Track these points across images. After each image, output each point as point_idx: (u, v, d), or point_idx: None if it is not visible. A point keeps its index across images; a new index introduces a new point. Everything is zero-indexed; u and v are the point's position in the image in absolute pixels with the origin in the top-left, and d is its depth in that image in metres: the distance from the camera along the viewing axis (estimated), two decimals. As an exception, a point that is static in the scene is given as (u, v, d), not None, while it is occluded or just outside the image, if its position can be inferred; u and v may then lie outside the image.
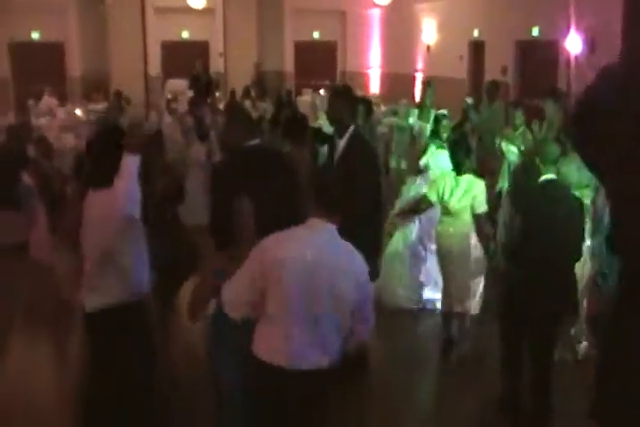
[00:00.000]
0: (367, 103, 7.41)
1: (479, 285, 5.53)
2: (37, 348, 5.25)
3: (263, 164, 3.84)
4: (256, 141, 3.91)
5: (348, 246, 3.11)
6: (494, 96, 9.56)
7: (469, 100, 9.91)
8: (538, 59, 12.50)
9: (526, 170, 5.33)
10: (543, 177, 4.24)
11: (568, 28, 11.09)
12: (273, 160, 3.97)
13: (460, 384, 4.96)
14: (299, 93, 13.94)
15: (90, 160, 3.70)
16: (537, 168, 4.31)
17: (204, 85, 14.22)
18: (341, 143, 4.73)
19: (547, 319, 4.16)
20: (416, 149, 6.86)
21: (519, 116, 7.38)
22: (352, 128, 4.73)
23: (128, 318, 3.50)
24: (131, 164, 3.38)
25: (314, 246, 3.00)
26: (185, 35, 19.18)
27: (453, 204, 5.24)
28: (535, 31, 12.29)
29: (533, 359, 4.23)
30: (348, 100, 4.86)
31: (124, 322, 3.50)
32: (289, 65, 19.40)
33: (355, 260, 3.08)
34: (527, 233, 4.17)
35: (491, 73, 13.64)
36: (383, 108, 12.71)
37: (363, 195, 4.43)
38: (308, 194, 3.18)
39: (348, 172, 4.24)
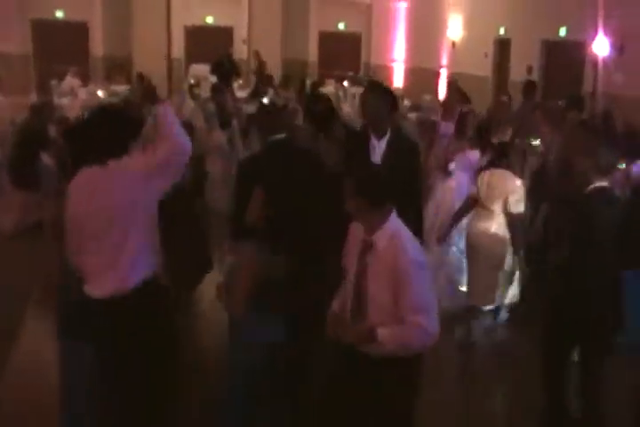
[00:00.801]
0: (393, 98, 7.32)
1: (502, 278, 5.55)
2: (51, 334, 5.26)
3: (286, 159, 3.82)
4: (281, 136, 3.92)
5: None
6: (531, 95, 9.52)
7: (504, 99, 9.83)
8: (564, 59, 12.36)
9: (564, 174, 5.33)
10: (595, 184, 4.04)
11: (596, 29, 10.96)
12: (297, 156, 3.93)
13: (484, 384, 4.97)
14: (322, 84, 13.85)
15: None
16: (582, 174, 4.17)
17: (227, 72, 14.17)
18: (382, 144, 4.48)
19: (601, 331, 4.05)
20: (442, 147, 6.82)
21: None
22: (393, 129, 4.52)
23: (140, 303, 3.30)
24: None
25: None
26: (209, 20, 19.13)
27: (486, 201, 5.32)
28: (562, 31, 12.15)
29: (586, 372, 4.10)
30: (386, 96, 4.57)
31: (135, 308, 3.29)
32: (313, 55, 19.32)
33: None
34: (576, 241, 4.04)
35: (515, 72, 13.53)
36: (407, 102, 12.63)
37: (410, 197, 4.35)
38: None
39: (397, 175, 4.12)
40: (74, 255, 3.37)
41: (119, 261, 3.25)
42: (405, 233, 3.09)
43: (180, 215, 4.63)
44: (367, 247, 3.08)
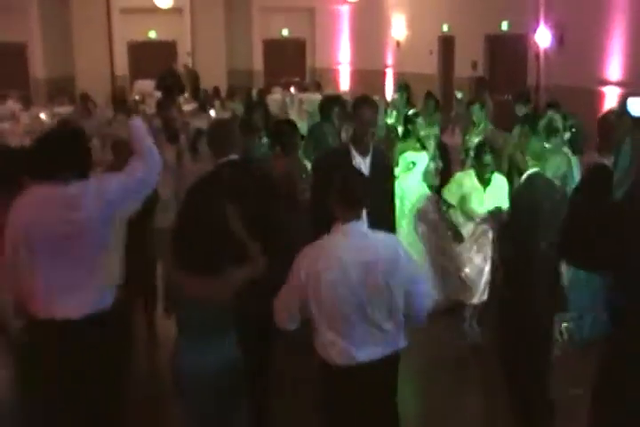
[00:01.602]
0: (343, 103, 7.20)
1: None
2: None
3: (236, 180, 3.82)
4: (234, 157, 3.91)
5: (380, 237, 3.28)
6: (482, 92, 9.56)
7: (460, 95, 9.80)
8: (507, 53, 12.48)
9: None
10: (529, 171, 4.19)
11: (537, 21, 11.07)
12: (246, 177, 3.93)
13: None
14: (269, 92, 13.76)
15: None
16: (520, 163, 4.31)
17: (171, 86, 14.00)
18: (367, 162, 4.21)
19: (541, 316, 4.09)
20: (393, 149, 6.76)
21: (477, 112, 7.33)
22: (374, 146, 4.31)
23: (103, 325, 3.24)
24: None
25: (348, 252, 3.15)
26: (152, 35, 18.93)
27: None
28: (504, 25, 12.26)
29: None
30: (376, 110, 4.31)
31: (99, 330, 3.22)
32: (258, 63, 19.24)
33: (388, 248, 3.21)
34: (516, 228, 4.12)
35: (461, 68, 13.61)
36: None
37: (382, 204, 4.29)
38: (332, 198, 3.21)
39: (379, 190, 4.08)
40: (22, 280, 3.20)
41: (85, 281, 3.18)
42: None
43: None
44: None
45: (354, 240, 3.17)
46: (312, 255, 3.18)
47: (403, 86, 9.39)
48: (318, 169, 4.37)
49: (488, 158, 5.29)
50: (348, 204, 3.17)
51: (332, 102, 6.72)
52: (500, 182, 5.48)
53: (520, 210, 4.13)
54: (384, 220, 4.03)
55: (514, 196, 4.47)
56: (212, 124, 4.77)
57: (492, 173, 5.38)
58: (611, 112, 2.42)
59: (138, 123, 3.40)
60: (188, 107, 12.44)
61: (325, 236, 3.25)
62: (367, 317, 3.14)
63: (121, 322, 3.43)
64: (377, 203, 3.79)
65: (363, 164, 4.20)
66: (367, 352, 3.18)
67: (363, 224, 3.23)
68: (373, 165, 4.22)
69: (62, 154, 3.21)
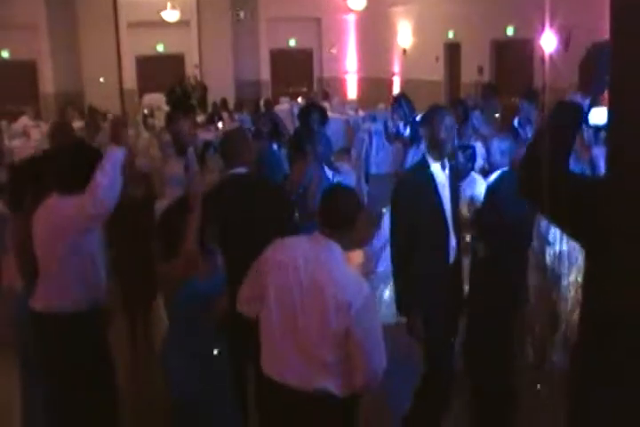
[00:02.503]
0: (321, 110, 7.28)
1: None
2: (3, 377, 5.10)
3: (242, 195, 3.87)
4: (242, 170, 3.93)
5: (349, 272, 2.91)
6: (490, 98, 9.55)
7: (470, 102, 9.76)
8: (513, 58, 12.48)
9: None
10: None
11: (543, 26, 11.08)
12: (254, 192, 3.96)
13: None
14: (276, 102, 13.84)
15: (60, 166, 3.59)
16: None
17: (178, 99, 14.09)
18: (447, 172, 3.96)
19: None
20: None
21: (477, 118, 7.37)
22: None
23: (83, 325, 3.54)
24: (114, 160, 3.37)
25: (308, 256, 2.85)
26: (160, 48, 19.07)
27: None
28: (510, 30, 12.28)
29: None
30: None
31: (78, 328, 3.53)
32: (265, 74, 19.33)
33: (349, 288, 2.79)
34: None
35: (467, 74, 13.63)
36: (362, 113, 12.64)
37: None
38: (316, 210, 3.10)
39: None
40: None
41: (59, 283, 3.53)
42: None
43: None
44: None
45: None
46: None
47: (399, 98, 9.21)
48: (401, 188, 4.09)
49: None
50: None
51: (310, 109, 6.84)
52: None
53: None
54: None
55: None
56: (224, 134, 4.84)
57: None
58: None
59: (118, 154, 3.36)
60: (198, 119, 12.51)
61: None
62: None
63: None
64: (453, 207, 3.94)
65: (444, 176, 3.94)
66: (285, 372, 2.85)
67: None
68: (452, 172, 4.04)
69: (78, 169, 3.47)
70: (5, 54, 17.34)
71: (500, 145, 4.26)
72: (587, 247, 2.09)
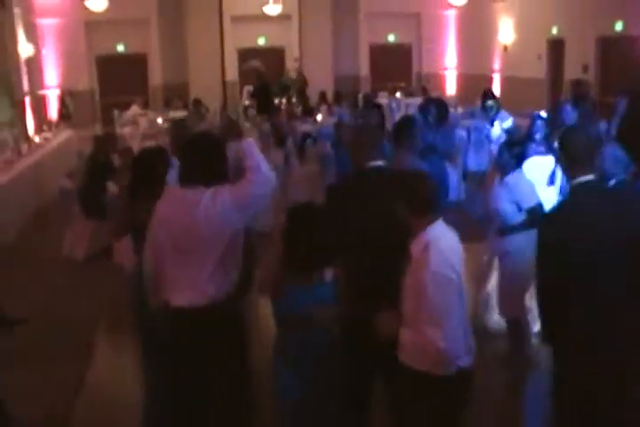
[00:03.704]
0: (441, 104, 7.19)
1: None
2: (122, 355, 5.40)
3: (373, 187, 3.67)
4: (378, 163, 3.77)
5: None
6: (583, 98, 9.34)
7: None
8: (621, 55, 12.10)
9: None
10: None
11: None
12: (385, 185, 3.61)
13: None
14: (375, 97, 13.92)
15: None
16: None
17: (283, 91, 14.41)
18: None
19: None
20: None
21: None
22: None
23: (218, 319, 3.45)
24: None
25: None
26: (261, 41, 19.48)
27: None
28: (619, 26, 11.91)
29: None
30: None
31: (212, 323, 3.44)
32: (364, 68, 19.43)
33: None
34: None
35: (571, 72, 13.30)
36: (460, 109, 12.57)
37: None
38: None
39: None
40: (157, 268, 3.54)
41: (200, 276, 3.42)
42: (442, 244, 3.02)
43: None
44: (408, 257, 3.07)
45: None
46: None
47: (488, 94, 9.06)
48: None
49: None
50: None
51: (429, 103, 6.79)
52: None
53: None
54: None
55: None
56: (356, 129, 4.65)
57: None
58: None
59: (250, 142, 3.53)
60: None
61: None
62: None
63: (232, 317, 3.57)
64: None
65: None
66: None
67: None
68: None
69: (206, 162, 3.48)
70: (121, 48, 18.18)
71: (613, 152, 4.19)
72: None
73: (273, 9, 17.57)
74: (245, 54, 19.10)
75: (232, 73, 18.60)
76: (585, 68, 12.84)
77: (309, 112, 12.65)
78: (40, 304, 6.36)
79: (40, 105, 15.86)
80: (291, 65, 18.62)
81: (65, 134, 13.39)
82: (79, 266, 7.60)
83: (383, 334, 3.12)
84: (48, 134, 12.57)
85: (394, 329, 3.08)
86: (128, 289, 4.15)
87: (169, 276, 3.50)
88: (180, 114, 13.15)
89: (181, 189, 3.50)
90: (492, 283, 5.61)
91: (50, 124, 13.90)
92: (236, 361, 3.58)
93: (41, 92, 16.38)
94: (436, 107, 6.71)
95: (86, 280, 7.04)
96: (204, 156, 3.49)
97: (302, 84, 16.21)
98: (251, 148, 3.48)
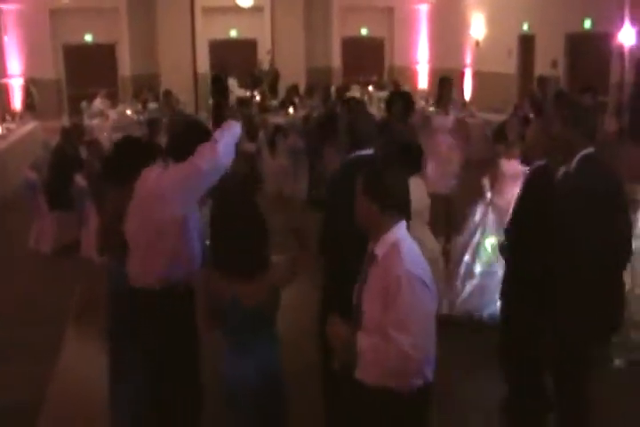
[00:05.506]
0: (406, 97, 6.98)
1: None
2: (91, 347, 5.35)
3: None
4: (368, 152, 3.80)
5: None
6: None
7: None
8: (590, 52, 12.24)
9: None
10: None
11: (622, 19, 10.82)
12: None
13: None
14: (347, 90, 13.90)
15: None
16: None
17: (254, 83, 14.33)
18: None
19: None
20: None
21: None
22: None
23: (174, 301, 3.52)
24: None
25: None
26: (233, 33, 19.34)
27: None
28: (587, 23, 12.04)
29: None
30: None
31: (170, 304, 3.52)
32: (336, 61, 19.41)
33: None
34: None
35: (540, 67, 13.43)
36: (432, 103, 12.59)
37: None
38: None
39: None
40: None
41: (153, 259, 3.53)
42: (410, 244, 2.79)
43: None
44: (370, 259, 2.83)
45: None
46: None
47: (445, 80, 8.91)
48: None
49: None
50: None
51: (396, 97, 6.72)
52: None
53: None
54: None
55: None
56: (353, 117, 4.57)
57: None
58: None
59: (236, 125, 3.52)
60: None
61: None
62: None
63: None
64: None
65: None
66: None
67: None
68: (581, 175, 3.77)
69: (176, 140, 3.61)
70: (88, 38, 17.88)
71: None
72: None
73: (245, 1, 17.44)
74: (217, 46, 18.98)
75: (204, 65, 18.46)
76: (554, 64, 12.96)
77: (282, 105, 12.60)
78: (9, 297, 6.30)
79: (2, 94, 15.57)
80: (263, 57, 18.54)
81: (29, 125, 13.16)
82: (46, 259, 7.52)
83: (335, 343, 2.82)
84: (12, 125, 12.36)
85: (343, 336, 2.78)
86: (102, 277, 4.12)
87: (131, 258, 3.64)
88: (150, 105, 13.03)
89: (162, 168, 3.56)
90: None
91: (13, 114, 13.65)
92: (160, 342, 3.60)
93: (3, 80, 16.04)
94: (402, 100, 6.60)
95: (54, 274, 6.97)
96: (179, 135, 3.61)
97: (274, 76, 16.15)
98: (234, 129, 3.48)
